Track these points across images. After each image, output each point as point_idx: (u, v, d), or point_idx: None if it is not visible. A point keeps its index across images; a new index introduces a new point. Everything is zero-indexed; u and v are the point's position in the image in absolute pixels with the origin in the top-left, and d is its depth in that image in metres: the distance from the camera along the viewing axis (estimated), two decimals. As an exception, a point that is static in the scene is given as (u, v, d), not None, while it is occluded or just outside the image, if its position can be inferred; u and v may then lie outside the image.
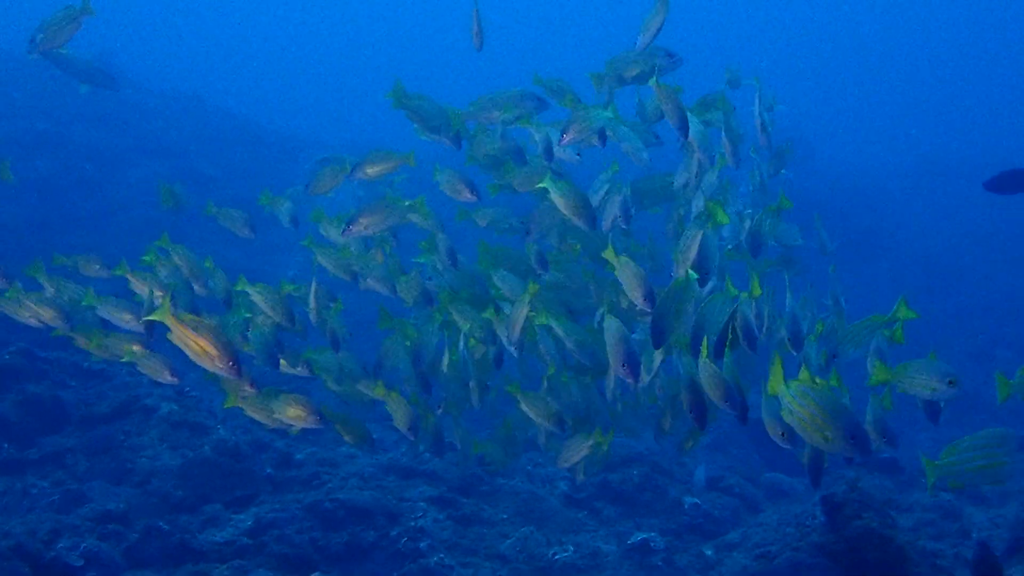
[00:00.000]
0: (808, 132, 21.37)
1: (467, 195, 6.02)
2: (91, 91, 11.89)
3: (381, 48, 53.89)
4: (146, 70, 22.49)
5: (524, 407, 5.78)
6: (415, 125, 6.22)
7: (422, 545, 6.80)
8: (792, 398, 4.01)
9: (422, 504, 7.34)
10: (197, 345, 4.47)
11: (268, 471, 7.65)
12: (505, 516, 7.51)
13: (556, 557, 6.94)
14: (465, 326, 5.98)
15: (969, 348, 15.19)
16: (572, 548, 7.08)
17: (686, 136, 5.57)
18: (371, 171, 6.09)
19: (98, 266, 6.22)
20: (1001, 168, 8.40)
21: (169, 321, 4.48)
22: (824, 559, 6.18)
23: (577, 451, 5.77)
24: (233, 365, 4.57)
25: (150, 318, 4.60)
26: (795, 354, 5.26)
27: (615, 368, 5.16)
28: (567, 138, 5.57)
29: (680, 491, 8.33)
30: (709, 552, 7.30)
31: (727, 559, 7.03)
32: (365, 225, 5.97)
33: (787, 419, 4.05)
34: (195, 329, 4.47)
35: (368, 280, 6.28)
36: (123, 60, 19.75)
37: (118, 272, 5.89)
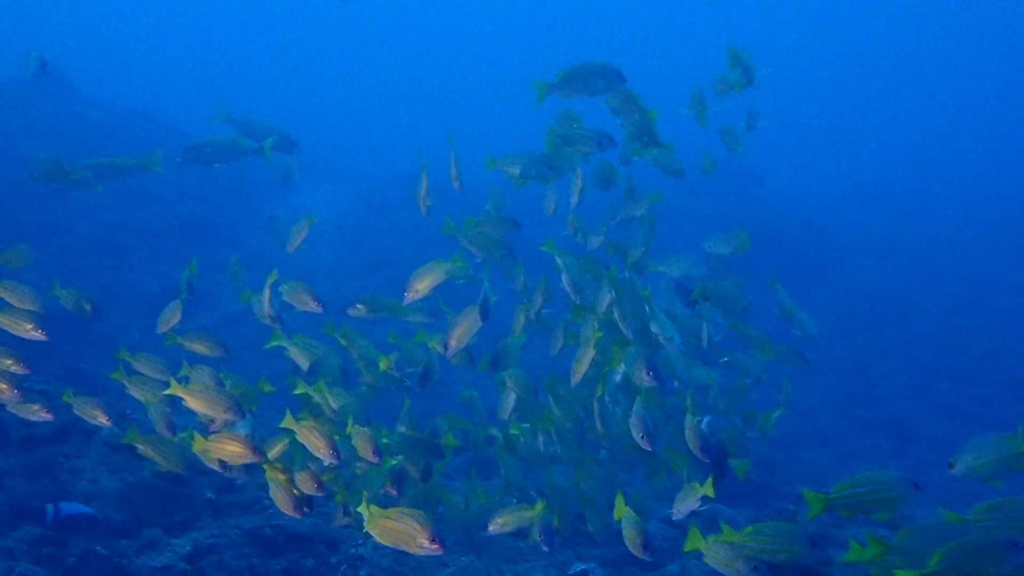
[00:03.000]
0: (757, 162, 21.65)
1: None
2: (38, 103, 11.87)
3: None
4: (97, 83, 22.31)
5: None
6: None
7: (361, 573, 6.80)
8: None
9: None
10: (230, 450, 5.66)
11: (209, 495, 7.59)
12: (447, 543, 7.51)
13: (495, 586, 6.98)
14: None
15: (910, 380, 15.45)
16: (512, 578, 7.12)
17: None
18: None
19: None
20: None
21: (201, 447, 5.68)
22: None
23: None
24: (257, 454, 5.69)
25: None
26: None
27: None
28: None
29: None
30: (648, 583, 7.36)
31: (665, 591, 7.10)
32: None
33: None
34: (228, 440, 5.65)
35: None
36: (73, 73, 19.59)
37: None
